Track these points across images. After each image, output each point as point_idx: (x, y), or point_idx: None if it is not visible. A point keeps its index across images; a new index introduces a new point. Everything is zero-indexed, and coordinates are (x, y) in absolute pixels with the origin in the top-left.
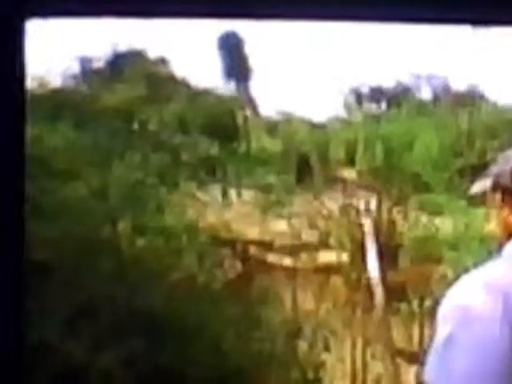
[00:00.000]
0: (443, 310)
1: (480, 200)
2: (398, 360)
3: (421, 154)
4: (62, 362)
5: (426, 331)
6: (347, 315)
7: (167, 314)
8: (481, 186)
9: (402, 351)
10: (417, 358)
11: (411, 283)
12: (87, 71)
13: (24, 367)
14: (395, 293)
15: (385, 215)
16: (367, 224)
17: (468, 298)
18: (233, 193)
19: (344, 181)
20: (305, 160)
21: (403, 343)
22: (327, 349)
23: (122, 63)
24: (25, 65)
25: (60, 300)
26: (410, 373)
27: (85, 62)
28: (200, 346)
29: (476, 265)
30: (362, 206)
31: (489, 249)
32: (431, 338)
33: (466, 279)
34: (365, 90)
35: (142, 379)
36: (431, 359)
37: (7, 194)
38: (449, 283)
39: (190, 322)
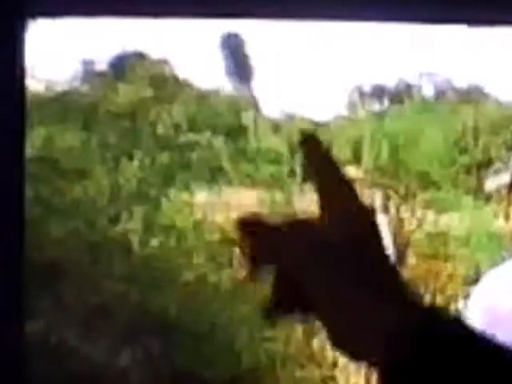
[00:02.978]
0: (470, 313)
1: (487, 196)
2: None
3: (427, 151)
4: (79, 363)
5: None
6: None
7: (180, 315)
8: (497, 182)
9: None
10: None
11: (421, 280)
12: (91, 73)
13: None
14: None
15: (393, 213)
16: (384, 221)
17: (494, 299)
18: (239, 192)
19: (350, 179)
20: None
21: None
22: None
23: (126, 65)
24: (25, 65)
25: (73, 300)
26: None
27: (89, 64)
28: (213, 346)
29: (487, 261)
30: (377, 204)
31: (498, 245)
32: None
33: (489, 279)
34: (368, 88)
35: (157, 379)
36: None
37: (7, 195)
38: (460, 280)
39: (202, 322)
